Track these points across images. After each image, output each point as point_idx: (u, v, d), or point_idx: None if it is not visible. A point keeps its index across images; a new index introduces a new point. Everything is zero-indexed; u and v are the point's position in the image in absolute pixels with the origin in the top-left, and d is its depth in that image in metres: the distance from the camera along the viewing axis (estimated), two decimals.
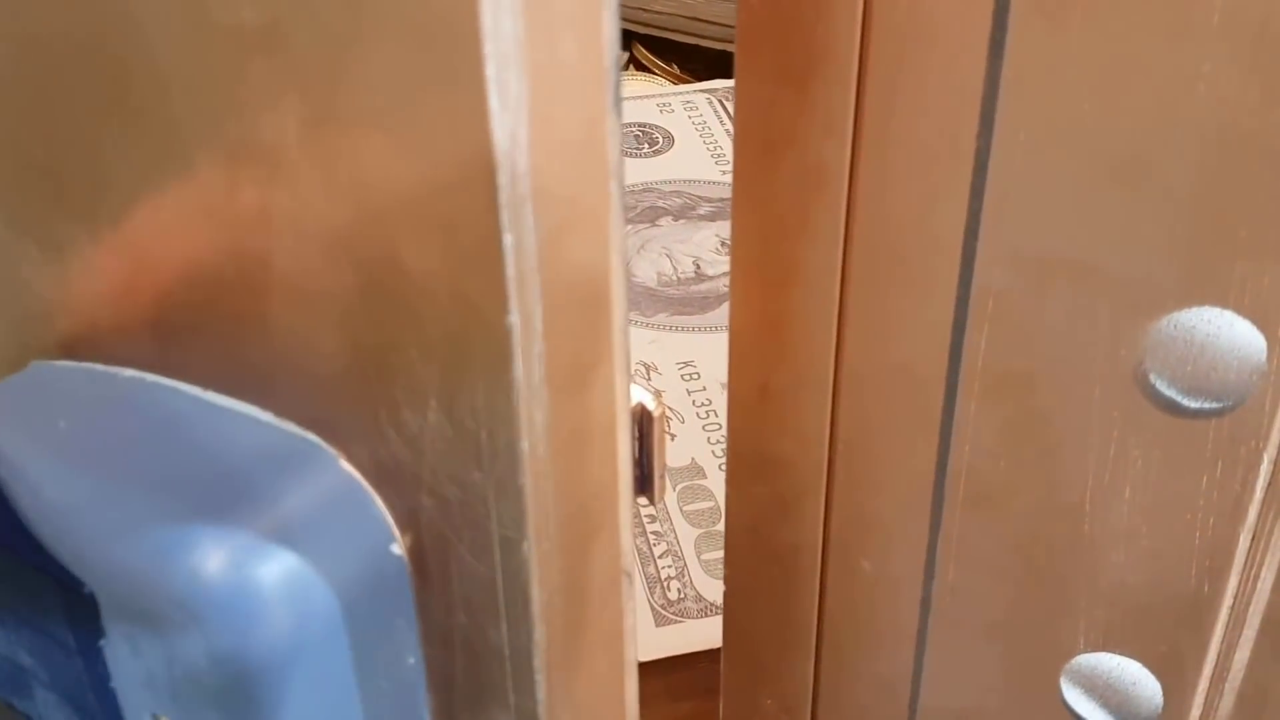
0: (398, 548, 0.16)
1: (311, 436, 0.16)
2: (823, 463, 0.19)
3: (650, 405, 0.16)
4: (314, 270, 0.15)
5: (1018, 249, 0.16)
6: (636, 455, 0.17)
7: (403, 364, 0.15)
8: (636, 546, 0.38)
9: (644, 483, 0.17)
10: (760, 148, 0.17)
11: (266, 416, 0.16)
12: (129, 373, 0.17)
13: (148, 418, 0.16)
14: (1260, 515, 0.16)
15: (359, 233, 0.14)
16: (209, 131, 0.14)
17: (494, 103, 0.12)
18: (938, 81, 0.15)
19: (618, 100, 0.14)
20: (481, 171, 0.13)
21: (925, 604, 0.19)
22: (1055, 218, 0.15)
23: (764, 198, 0.17)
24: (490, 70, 0.12)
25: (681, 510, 0.39)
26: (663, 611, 0.38)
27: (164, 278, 0.16)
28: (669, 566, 0.38)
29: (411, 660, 0.17)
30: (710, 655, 0.36)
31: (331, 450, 0.16)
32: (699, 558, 0.38)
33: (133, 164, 0.15)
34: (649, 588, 0.38)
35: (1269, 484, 0.16)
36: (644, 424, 0.17)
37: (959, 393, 0.17)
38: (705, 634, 0.37)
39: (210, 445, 0.16)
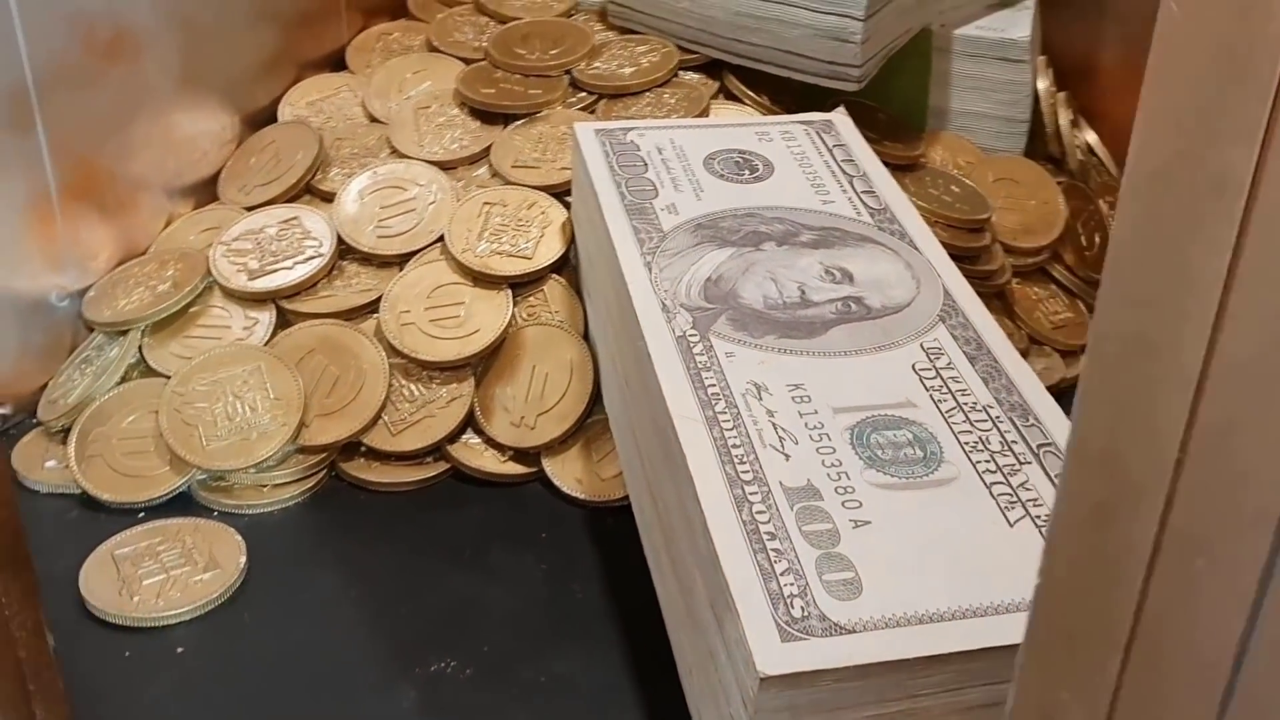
0: None
1: None
2: (1171, 460, 0.19)
3: None
4: None
5: None
6: None
7: None
8: (757, 562, 0.38)
9: None
10: (1160, 154, 0.18)
11: None
12: None
13: None
14: None
15: None
16: None
17: None
18: None
19: None
20: None
21: (1264, 581, 0.19)
22: None
23: (1155, 205, 0.18)
24: None
25: (800, 530, 0.40)
26: (787, 628, 0.38)
27: None
28: (790, 584, 0.38)
29: None
30: (834, 674, 0.37)
31: None
32: (820, 578, 0.38)
33: None
34: (772, 603, 0.38)
35: None
36: None
37: None
38: (830, 653, 0.37)
39: None
